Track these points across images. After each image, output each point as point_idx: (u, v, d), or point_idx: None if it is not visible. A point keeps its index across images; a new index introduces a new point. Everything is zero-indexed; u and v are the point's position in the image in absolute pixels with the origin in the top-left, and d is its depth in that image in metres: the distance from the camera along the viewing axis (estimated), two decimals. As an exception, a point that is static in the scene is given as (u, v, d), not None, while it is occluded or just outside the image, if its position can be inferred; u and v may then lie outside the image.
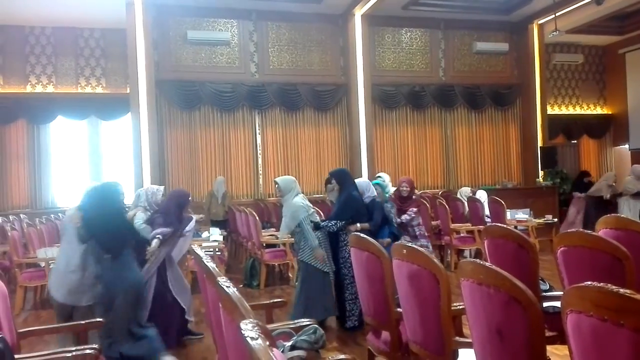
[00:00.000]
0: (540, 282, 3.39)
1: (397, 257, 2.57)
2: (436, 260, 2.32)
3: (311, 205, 4.71)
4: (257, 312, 3.04)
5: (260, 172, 10.55)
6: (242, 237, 7.76)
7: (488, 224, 3.78)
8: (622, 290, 1.39)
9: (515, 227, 7.82)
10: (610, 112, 13.40)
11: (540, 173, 11.53)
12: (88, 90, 10.32)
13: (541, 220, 8.07)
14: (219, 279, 1.67)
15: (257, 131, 10.58)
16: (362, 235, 2.98)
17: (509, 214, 7.96)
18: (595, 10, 10.03)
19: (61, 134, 10.33)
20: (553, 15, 10.53)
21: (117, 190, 3.95)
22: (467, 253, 7.71)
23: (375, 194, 4.97)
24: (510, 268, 3.16)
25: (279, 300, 3.17)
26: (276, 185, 4.77)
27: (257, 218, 6.75)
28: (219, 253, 6.41)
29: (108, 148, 10.55)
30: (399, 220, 5.28)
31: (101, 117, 10.37)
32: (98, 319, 3.06)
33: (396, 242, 2.63)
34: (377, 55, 11.09)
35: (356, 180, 4.99)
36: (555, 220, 8.44)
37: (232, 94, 10.23)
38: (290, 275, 6.78)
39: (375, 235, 4.52)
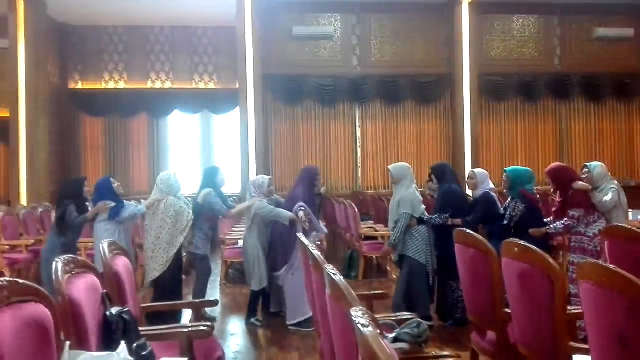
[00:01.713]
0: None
1: (508, 256, 2.45)
2: (551, 260, 2.19)
3: (421, 200, 4.56)
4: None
5: (359, 165, 10.60)
6: (341, 229, 7.86)
7: (613, 224, 3.47)
8: None
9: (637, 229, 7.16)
10: None
11: (671, 171, 10.37)
12: (201, 85, 11.03)
13: (668, 223, 7.25)
14: (325, 266, 1.70)
15: (357, 124, 10.63)
16: (468, 231, 2.88)
17: (631, 215, 7.24)
18: None
19: (177, 127, 11.17)
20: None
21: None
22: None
23: (491, 187, 4.62)
24: (634, 271, 2.90)
25: (379, 292, 3.17)
26: (389, 173, 4.68)
27: (357, 210, 6.79)
28: (319, 242, 6.55)
29: (219, 140, 11.22)
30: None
31: (213, 111, 11.05)
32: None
33: (507, 240, 2.50)
34: (485, 44, 10.62)
35: (474, 170, 4.75)
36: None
37: (333, 87, 10.35)
38: (388, 268, 6.76)
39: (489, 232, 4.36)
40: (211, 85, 11.05)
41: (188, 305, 3.87)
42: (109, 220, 4.46)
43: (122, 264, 2.64)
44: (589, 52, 10.78)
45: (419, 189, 4.68)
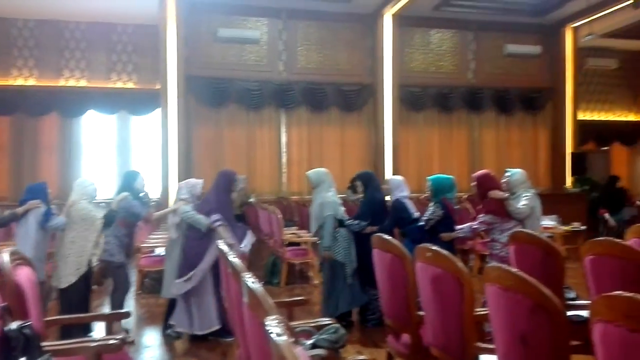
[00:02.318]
0: (566, 290, 3.33)
1: (421, 260, 2.55)
2: (460, 264, 2.30)
3: (340, 202, 4.73)
4: (278, 310, 3.08)
5: (284, 170, 10.61)
6: (264, 235, 7.81)
7: (517, 230, 3.71)
8: (652, 302, 1.36)
9: (542, 234, 7.73)
10: (644, 119, 13.04)
11: (569, 179, 11.29)
12: (119, 85, 10.53)
13: (568, 228, 7.91)
14: (243, 274, 1.68)
15: (283, 130, 10.63)
16: (385, 236, 2.97)
17: (536, 220, 7.80)
18: (632, 14, 9.73)
19: (92, 128, 10.57)
20: (587, 19, 10.33)
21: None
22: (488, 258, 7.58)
23: (404, 194, 4.85)
24: (536, 275, 3.11)
25: (300, 298, 3.19)
26: (308, 178, 4.81)
27: (280, 216, 6.78)
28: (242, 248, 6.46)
29: (137, 142, 10.75)
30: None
31: (131, 112, 10.57)
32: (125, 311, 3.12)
33: (420, 245, 2.61)
34: (406, 56, 11.02)
35: (390, 178, 5.02)
36: (584, 227, 8.24)
37: (259, 92, 10.29)
38: (311, 274, 6.80)
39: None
40: (130, 85, 10.57)
41: (98, 318, 3.67)
42: (38, 226, 4.16)
43: (24, 274, 2.45)
44: (500, 67, 11.51)
45: (337, 194, 4.79)
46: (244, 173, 10.20)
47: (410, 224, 4.61)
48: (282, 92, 10.39)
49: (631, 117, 13.12)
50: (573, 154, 11.31)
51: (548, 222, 7.99)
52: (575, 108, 11.59)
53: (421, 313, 2.65)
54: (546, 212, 8.56)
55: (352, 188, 9.19)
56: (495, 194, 4.32)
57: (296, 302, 3.04)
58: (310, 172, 4.88)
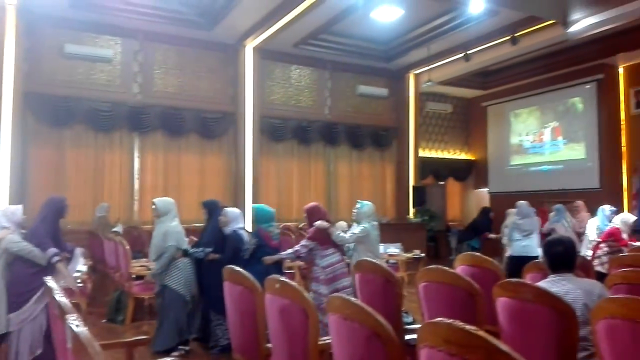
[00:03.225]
0: (404, 314, 3.59)
1: (270, 292, 2.56)
2: (307, 295, 2.35)
3: (185, 233, 4.77)
4: (117, 350, 2.83)
5: (136, 198, 10.00)
6: (109, 268, 7.22)
7: (361, 259, 3.94)
8: (467, 327, 1.50)
9: (387, 261, 8.29)
10: (473, 158, 14.87)
11: (412, 210, 12.34)
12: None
13: (410, 255, 8.59)
14: (67, 316, 1.53)
15: (136, 155, 10.06)
16: (236, 268, 2.93)
17: (382, 248, 8.34)
18: (464, 65, 11.16)
19: None
20: (427, 68, 11.58)
21: None
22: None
23: (241, 225, 5.00)
24: (377, 301, 3.32)
25: (143, 337, 2.97)
26: (153, 206, 4.71)
27: (127, 247, 6.33)
28: (81, 284, 5.89)
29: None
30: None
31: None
32: None
33: (270, 277, 2.62)
34: (267, 88, 11.25)
35: (227, 210, 5.11)
36: (423, 255, 9.02)
37: (110, 113, 9.65)
38: (161, 308, 6.43)
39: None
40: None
41: None
42: None
43: None
44: (353, 105, 12.33)
45: (197, 224, 4.84)
46: (90, 200, 9.44)
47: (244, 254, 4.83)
48: (136, 115, 9.87)
49: (463, 156, 14.88)
50: (414, 187, 12.42)
51: (393, 249, 8.62)
52: (417, 146, 12.81)
53: (269, 345, 2.64)
54: (391, 240, 9.27)
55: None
56: (321, 224, 4.81)
57: (138, 342, 2.83)
58: (157, 200, 4.85)
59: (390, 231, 10.67)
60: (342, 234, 4.88)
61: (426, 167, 13.45)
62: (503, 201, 11.85)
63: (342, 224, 9.27)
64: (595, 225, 6.99)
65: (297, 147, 11.68)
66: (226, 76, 10.79)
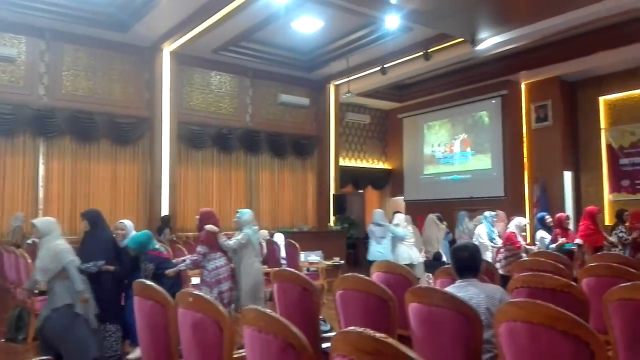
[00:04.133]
0: (322, 323, 3.63)
1: (183, 306, 2.48)
2: (221, 308, 2.31)
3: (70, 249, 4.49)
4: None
5: (41, 207, 9.31)
6: (9, 282, 6.65)
7: (280, 268, 3.94)
8: (377, 335, 1.53)
9: (308, 269, 8.35)
10: (390, 167, 15.39)
11: (332, 218, 12.53)
12: None
13: (330, 262, 8.70)
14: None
15: (41, 161, 9.39)
16: (147, 282, 2.81)
17: (302, 256, 8.40)
18: (381, 79, 11.57)
19: None
20: (346, 79, 11.86)
21: None
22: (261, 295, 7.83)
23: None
24: (295, 310, 3.32)
25: (45, 358, 2.76)
26: (34, 227, 4.51)
27: (30, 260, 5.87)
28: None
29: None
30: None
31: None
32: None
33: (182, 290, 2.54)
34: (185, 94, 10.97)
35: (124, 221, 5.13)
36: (343, 262, 9.17)
37: (12, 116, 8.95)
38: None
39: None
40: None
41: None
42: None
43: None
44: (275, 113, 12.34)
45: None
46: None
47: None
48: (42, 118, 9.22)
49: (381, 165, 15.36)
50: (335, 196, 12.64)
51: (313, 257, 8.68)
52: (337, 155, 13.06)
53: (183, 361, 2.56)
54: (312, 248, 9.36)
55: (159, 230, 8.96)
56: (211, 228, 5.06)
57: (37, 364, 2.63)
58: (37, 220, 4.64)
59: (311, 239, 10.78)
60: (227, 241, 5.16)
61: (346, 175, 13.74)
62: (418, 208, 12.38)
63: (264, 232, 9.29)
64: (485, 231, 7.53)
65: (217, 154, 11.47)
66: (141, 80, 10.39)
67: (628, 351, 2.64)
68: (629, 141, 11.16)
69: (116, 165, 10.15)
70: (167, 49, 10.17)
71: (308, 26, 9.47)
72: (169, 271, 4.77)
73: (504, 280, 4.38)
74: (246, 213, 5.55)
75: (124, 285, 4.72)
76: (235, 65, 11.46)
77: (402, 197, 14.82)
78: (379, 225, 7.63)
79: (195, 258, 5.08)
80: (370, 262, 7.63)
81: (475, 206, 11.16)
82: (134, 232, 5.05)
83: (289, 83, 12.40)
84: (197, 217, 5.32)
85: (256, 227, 5.62)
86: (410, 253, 7.57)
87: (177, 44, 9.95)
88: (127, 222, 5.20)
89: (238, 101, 11.77)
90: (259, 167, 12.11)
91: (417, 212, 11.70)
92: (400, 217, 8.02)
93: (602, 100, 11.66)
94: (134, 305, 2.84)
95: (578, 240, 6.98)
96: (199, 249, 5.08)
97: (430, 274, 6.07)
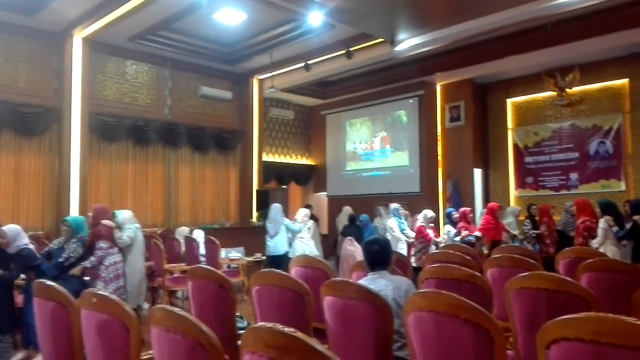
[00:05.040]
0: (239, 319, 3.59)
1: (86, 307, 2.35)
2: (127, 308, 2.21)
3: None
4: None
5: None
6: None
7: (195, 266, 3.83)
8: (286, 330, 1.53)
9: (229, 266, 8.23)
10: (313, 163, 15.52)
11: (255, 214, 12.43)
12: None
13: (251, 258, 8.63)
14: None
15: None
16: (48, 283, 2.63)
17: (223, 253, 8.27)
18: (305, 75, 11.61)
19: None
20: (270, 74, 11.79)
21: None
22: (179, 294, 7.64)
23: (25, 242, 4.64)
24: (211, 308, 3.26)
25: None
26: None
27: None
28: None
29: None
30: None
31: None
32: None
33: (85, 290, 2.41)
34: (98, 83, 10.38)
35: (7, 228, 4.64)
36: (265, 257, 9.14)
37: None
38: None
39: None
40: None
41: None
42: None
43: None
44: (195, 106, 12.00)
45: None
46: None
47: (45, 265, 4.65)
48: None
49: (304, 161, 15.45)
50: (258, 191, 12.54)
51: (235, 254, 8.59)
52: (261, 150, 12.95)
53: (86, 365, 2.42)
54: (234, 244, 9.26)
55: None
56: (108, 222, 5.15)
57: None
58: None
59: (233, 235, 10.65)
60: (122, 236, 5.21)
61: (269, 171, 13.67)
62: (340, 204, 12.58)
63: (184, 229, 9.06)
64: (396, 224, 7.89)
65: (133, 148, 10.98)
66: (49, 67, 9.70)
67: (526, 335, 2.83)
68: (533, 141, 12.02)
69: (20, 158, 9.43)
70: (79, 35, 9.56)
71: (231, 18, 9.29)
72: (74, 270, 4.65)
73: (417, 272, 4.56)
74: (124, 212, 5.61)
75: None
76: (154, 55, 11.01)
77: (325, 193, 15.01)
78: (273, 220, 8.03)
79: (100, 254, 4.98)
80: (270, 257, 8.00)
81: (394, 202, 11.54)
82: (22, 236, 4.67)
83: (211, 75, 12.11)
84: (90, 213, 5.28)
85: (138, 225, 5.67)
86: (305, 248, 7.89)
87: (90, 30, 9.38)
88: (8, 229, 4.64)
89: (156, 92, 11.32)
90: (178, 161, 11.74)
91: (340, 207, 11.90)
92: (300, 212, 8.38)
93: (509, 102, 12.46)
94: (34, 307, 2.64)
95: (477, 233, 7.45)
96: (102, 244, 5.01)
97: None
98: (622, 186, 10.60)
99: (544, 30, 9.49)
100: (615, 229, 5.96)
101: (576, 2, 7.90)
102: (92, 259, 4.91)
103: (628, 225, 5.86)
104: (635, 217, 5.80)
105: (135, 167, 10.99)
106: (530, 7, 8.13)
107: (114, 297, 2.28)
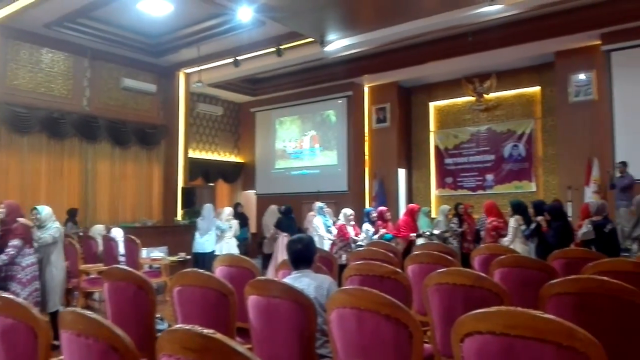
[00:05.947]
0: (159, 321, 3.47)
1: (-13, 312, 2.17)
2: (35, 312, 2.06)
3: None
4: None
5: None
6: None
7: (111, 266, 3.66)
8: (205, 331, 1.49)
9: (151, 266, 7.94)
10: (242, 161, 15.32)
11: (180, 212, 12.08)
12: None
13: (175, 258, 8.39)
14: None
15: None
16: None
17: (145, 252, 7.97)
18: (234, 71, 11.41)
19: None
20: (198, 68, 11.49)
21: None
22: (96, 296, 7.27)
23: None
24: (128, 310, 3.13)
25: None
26: None
27: None
28: None
29: None
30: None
31: None
32: None
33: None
34: (10, 71, 9.65)
35: None
36: (189, 257, 8.90)
37: None
38: None
39: None
40: None
41: None
42: None
43: None
44: (117, 99, 11.45)
45: None
46: None
47: None
48: None
49: (233, 158, 15.21)
50: (184, 189, 12.19)
51: (157, 253, 8.31)
52: (187, 146, 12.60)
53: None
54: (156, 243, 8.96)
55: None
56: (27, 221, 4.96)
57: None
58: None
59: (155, 234, 10.30)
60: (44, 235, 5.00)
61: (196, 168, 13.33)
62: (269, 202, 12.51)
63: (100, 227, 8.61)
64: (321, 222, 8.02)
65: (47, 141, 10.30)
66: (-48, 51, 8.88)
67: (444, 329, 2.96)
68: (452, 143, 12.60)
69: None
70: (-14, 18, 8.84)
71: (156, 9, 8.96)
72: None
73: (342, 269, 4.63)
74: (44, 209, 5.35)
75: None
76: (72, 44, 10.39)
77: (254, 191, 14.87)
78: (207, 218, 8.09)
79: (12, 252, 4.68)
80: (196, 255, 7.99)
81: (323, 200, 11.64)
82: None
83: (134, 67, 11.61)
84: (2, 209, 4.97)
85: (58, 224, 5.47)
86: (225, 246, 8.01)
87: (2, 14, 8.69)
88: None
89: (73, 83, 10.68)
90: (96, 156, 11.14)
91: (268, 205, 11.83)
92: (225, 211, 8.44)
93: (432, 105, 12.99)
94: None
95: (388, 235, 7.63)
96: (16, 242, 4.71)
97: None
98: (533, 187, 11.38)
99: (467, 37, 9.97)
100: (523, 227, 6.38)
101: (494, 12, 8.38)
102: (3, 257, 4.62)
103: (532, 226, 6.29)
104: (539, 218, 6.24)
105: (49, 161, 10.31)
106: (453, 15, 8.53)
107: (20, 300, 2.12)
